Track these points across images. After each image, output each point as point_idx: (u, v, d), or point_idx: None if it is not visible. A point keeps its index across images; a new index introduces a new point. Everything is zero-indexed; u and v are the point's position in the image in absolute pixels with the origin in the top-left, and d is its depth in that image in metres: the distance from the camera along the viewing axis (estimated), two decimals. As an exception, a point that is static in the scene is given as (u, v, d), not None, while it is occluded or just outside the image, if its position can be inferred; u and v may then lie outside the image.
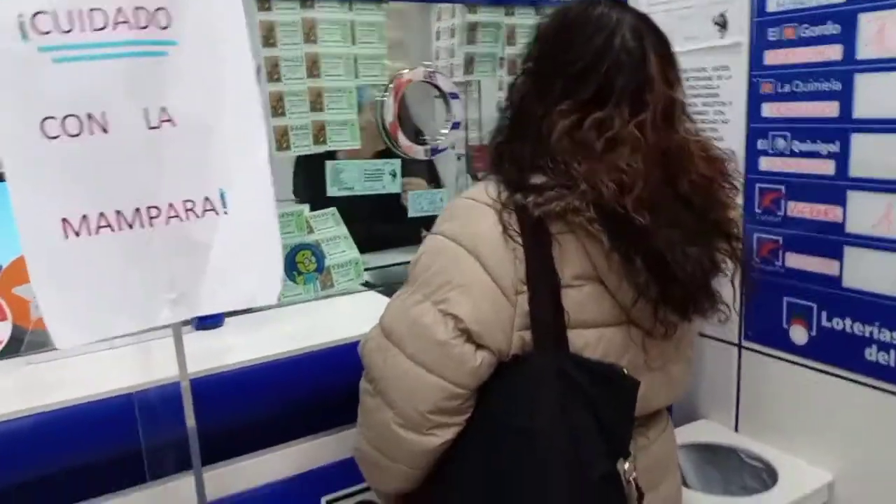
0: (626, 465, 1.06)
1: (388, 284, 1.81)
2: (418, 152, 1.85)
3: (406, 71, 1.77)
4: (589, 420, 1.01)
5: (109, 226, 0.81)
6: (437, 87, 1.87)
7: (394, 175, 1.75)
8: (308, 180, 1.88)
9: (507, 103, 1.12)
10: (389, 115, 1.78)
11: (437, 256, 1.05)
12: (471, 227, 1.04)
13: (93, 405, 1.15)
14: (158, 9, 0.80)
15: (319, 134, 1.65)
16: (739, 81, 1.76)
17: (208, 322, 1.45)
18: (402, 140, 1.81)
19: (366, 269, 1.78)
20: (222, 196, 0.88)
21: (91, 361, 1.30)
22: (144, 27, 0.79)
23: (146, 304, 0.87)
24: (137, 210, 0.83)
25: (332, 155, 1.75)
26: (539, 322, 1.01)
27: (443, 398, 1.01)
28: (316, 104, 1.64)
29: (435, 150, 1.89)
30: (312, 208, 1.71)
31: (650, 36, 1.05)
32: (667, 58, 1.06)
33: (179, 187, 0.86)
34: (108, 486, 1.20)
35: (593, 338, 1.04)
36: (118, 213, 0.82)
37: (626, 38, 1.02)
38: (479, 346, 1.01)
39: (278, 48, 1.57)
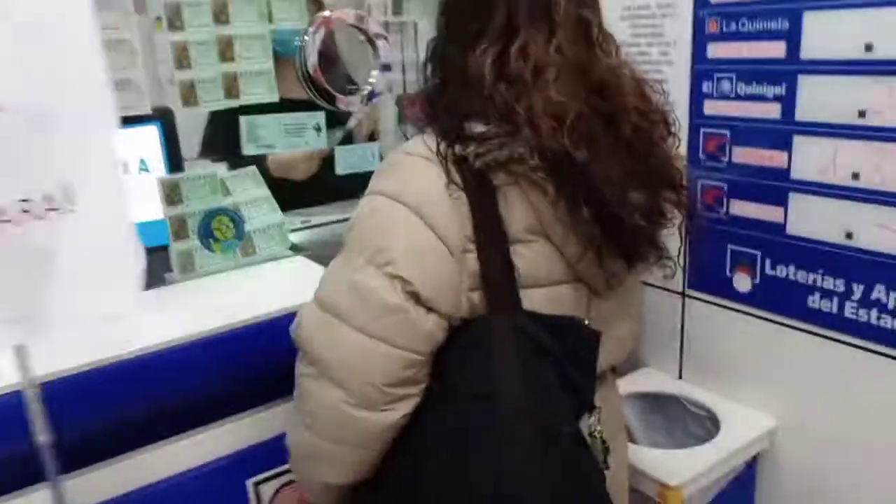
0: (591, 419, 1.06)
1: (317, 247, 1.70)
2: (348, 103, 1.71)
3: (327, 12, 1.62)
4: (552, 376, 0.97)
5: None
6: (359, 28, 1.72)
7: (318, 129, 1.62)
8: (223, 138, 1.73)
9: (428, 57, 1.07)
10: (311, 62, 1.63)
11: (377, 217, 0.98)
12: (411, 183, 0.98)
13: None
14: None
15: (232, 87, 1.51)
16: (684, 20, 1.66)
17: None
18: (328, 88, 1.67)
19: (292, 231, 1.67)
20: (66, 191, 0.74)
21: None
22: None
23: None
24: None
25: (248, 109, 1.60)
26: (490, 281, 0.97)
27: (399, 368, 0.95)
28: (226, 54, 1.49)
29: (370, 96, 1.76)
30: (231, 168, 1.57)
31: None
32: None
33: (13, 186, 0.71)
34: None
35: (545, 297, 1.00)
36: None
37: None
38: (429, 310, 0.95)
39: (180, -10, 1.41)
